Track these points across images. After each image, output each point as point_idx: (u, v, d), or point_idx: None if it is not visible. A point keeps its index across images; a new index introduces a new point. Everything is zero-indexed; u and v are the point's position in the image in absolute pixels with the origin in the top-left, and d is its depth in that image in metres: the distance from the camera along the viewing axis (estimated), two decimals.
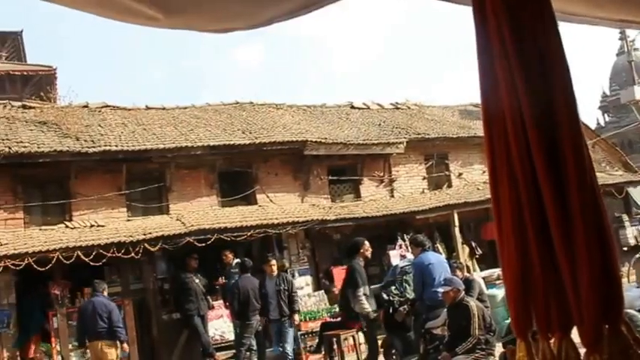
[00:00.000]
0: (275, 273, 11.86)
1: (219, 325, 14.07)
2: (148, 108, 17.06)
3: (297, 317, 12.06)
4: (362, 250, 10.52)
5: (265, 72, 75.66)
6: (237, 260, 13.59)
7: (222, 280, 14.08)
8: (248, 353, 12.26)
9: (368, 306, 10.05)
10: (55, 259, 12.09)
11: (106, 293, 11.68)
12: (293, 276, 15.09)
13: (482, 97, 1.92)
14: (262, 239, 14.54)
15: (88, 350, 11.62)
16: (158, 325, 13.89)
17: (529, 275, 1.80)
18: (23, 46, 32.92)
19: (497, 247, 1.91)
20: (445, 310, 9.10)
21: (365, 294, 10.09)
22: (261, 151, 15.56)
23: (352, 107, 20.18)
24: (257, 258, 13.78)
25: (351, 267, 10.38)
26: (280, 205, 15.62)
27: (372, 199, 17.00)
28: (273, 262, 12.12)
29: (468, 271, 13.88)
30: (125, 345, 11.47)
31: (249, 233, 13.79)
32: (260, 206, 15.45)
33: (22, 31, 32.05)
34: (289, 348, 11.70)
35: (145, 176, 14.70)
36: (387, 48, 74.97)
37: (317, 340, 13.16)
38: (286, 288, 11.68)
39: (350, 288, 10.23)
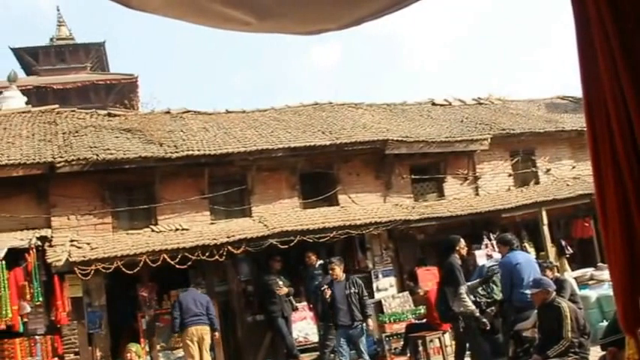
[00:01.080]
0: (341, 277, 11.47)
1: (303, 326, 14.04)
2: (228, 112, 17.25)
3: (370, 322, 11.55)
4: (458, 248, 10.20)
5: (343, 72, 75.57)
6: (320, 262, 13.52)
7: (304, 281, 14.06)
8: (332, 355, 12.13)
9: (471, 304, 9.71)
10: (142, 262, 12.39)
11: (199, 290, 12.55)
12: (376, 277, 14.95)
13: (583, 85, 1.86)
14: (345, 240, 14.43)
15: (184, 337, 12.04)
16: (242, 326, 13.99)
17: (637, 270, 1.74)
18: (106, 57, 34.09)
19: (602, 241, 1.86)
20: (535, 311, 8.80)
21: (466, 292, 9.78)
22: (341, 152, 15.44)
23: (433, 104, 19.84)
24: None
25: (449, 265, 10.01)
26: (362, 206, 15.46)
27: (456, 198, 16.62)
28: (336, 265, 11.65)
29: (558, 270, 13.39)
30: (217, 333, 12.34)
31: (331, 234, 13.70)
32: (342, 207, 15.34)
33: (104, 42, 33.20)
34: (366, 356, 11.46)
35: (227, 179, 14.83)
36: (466, 43, 73.62)
37: (402, 342, 12.99)
38: (357, 291, 11.27)
39: (450, 286, 9.89)
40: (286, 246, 13.23)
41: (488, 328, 9.72)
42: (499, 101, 20.53)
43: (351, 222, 14.09)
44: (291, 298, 13.52)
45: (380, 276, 15.06)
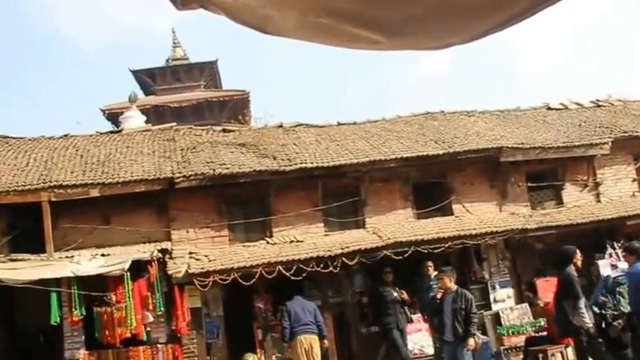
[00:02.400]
0: (451, 288, 10.57)
1: (419, 338, 13.84)
2: (339, 124, 17.32)
3: (471, 342, 10.27)
4: (574, 260, 9.76)
5: (452, 79, 74.48)
6: (435, 273, 13.29)
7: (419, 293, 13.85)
8: None
9: (589, 319, 9.26)
10: (257, 274, 12.60)
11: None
12: (493, 288, 14.55)
13: None
14: (460, 251, 14.16)
15: (293, 346, 12.07)
16: (357, 338, 13.96)
17: None
18: (219, 74, 35.15)
19: None
20: None
21: (586, 305, 9.33)
22: (455, 161, 15.18)
23: (549, 108, 19.13)
24: (455, 270, 13.38)
25: (567, 277, 9.59)
26: (477, 215, 15.10)
27: (576, 205, 15.94)
28: (444, 276, 10.85)
29: None
30: (326, 341, 12.32)
31: (446, 245, 13.48)
32: (456, 217, 15.05)
33: (217, 60, 34.21)
34: None
35: (339, 191, 14.87)
36: (583, 43, 70.78)
37: (521, 356, 12.55)
38: (463, 307, 10.27)
39: (567, 299, 9.47)
40: (400, 257, 13.11)
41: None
42: (620, 103, 19.51)
43: (466, 232, 13.80)
44: (406, 309, 13.35)
45: (497, 287, 14.66)
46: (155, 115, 28.58)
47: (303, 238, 14.06)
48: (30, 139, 16.43)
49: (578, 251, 9.92)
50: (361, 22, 1.96)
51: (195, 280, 12.58)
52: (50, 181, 13.69)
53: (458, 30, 2.12)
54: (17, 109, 60.26)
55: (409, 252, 13.14)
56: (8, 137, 16.56)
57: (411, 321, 13.54)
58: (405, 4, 1.89)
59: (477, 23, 2.08)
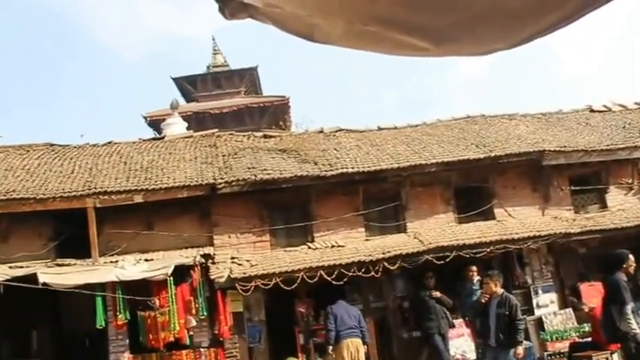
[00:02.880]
0: (496, 293, 10.22)
1: (461, 344, 13.73)
2: (380, 129, 17.31)
3: (520, 350, 9.85)
4: (625, 265, 9.48)
5: (493, 82, 73.76)
6: (477, 277, 13.16)
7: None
8: None
9: (636, 325, 9.04)
10: (299, 279, 12.64)
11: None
12: (536, 293, 14.37)
13: None
14: (502, 255, 14.01)
15: (339, 350, 11.97)
16: (398, 343, 13.92)
17: None
18: (259, 80, 35.36)
19: None
20: None
21: (633, 311, 9.11)
22: (496, 165, 15.04)
23: (591, 111, 18.83)
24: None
25: (614, 281, 9.33)
26: (519, 219, 14.93)
27: (621, 209, 15.64)
28: (489, 280, 10.46)
29: None
30: (366, 347, 12.22)
31: (488, 249, 13.35)
32: (498, 221, 14.90)
33: (257, 67, 34.43)
34: None
35: (380, 196, 14.86)
36: (625, 43, 69.44)
37: None
38: (507, 312, 9.90)
39: (614, 305, 9.27)
40: (442, 262, 13.03)
41: None
42: None
43: (509, 236, 13.66)
44: (448, 314, 13.25)
45: (540, 292, 14.47)
46: (196, 121, 28.91)
47: (344, 243, 14.09)
48: (75, 147, 16.78)
49: (631, 257, 9.61)
50: (408, 29, 1.98)
51: (237, 285, 12.68)
52: (95, 188, 13.96)
53: (504, 35, 2.13)
54: (62, 117, 61.52)
55: (451, 256, 13.05)
56: (54, 145, 16.95)
57: (453, 326, 13.42)
58: (452, 11, 1.90)
59: (523, 28, 2.07)
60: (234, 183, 13.97)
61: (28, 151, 16.55)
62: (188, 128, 22.44)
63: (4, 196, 13.85)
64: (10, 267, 13.02)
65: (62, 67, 66.89)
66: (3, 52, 62.34)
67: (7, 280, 11.30)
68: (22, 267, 13.05)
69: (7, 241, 14.04)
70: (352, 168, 14.38)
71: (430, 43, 2.05)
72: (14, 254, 13.72)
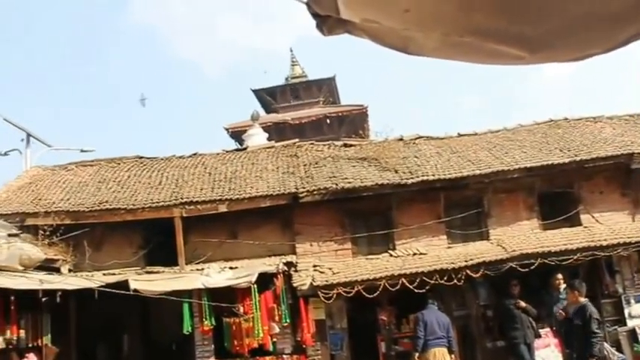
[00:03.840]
0: (578, 302, 9.77)
1: (547, 354, 13.36)
2: (460, 135, 17.12)
3: None
4: None
5: (576, 85, 71.74)
6: (563, 286, 12.83)
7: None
8: None
9: None
10: (381, 287, 12.64)
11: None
12: (628, 303, 13.86)
13: None
14: (590, 263, 13.56)
15: (425, 358, 11.89)
16: (482, 352, 13.69)
17: None
18: (337, 90, 35.56)
19: None
20: None
21: None
22: (582, 169, 14.62)
23: None
24: (585, 283, 12.85)
25: None
26: (608, 226, 14.43)
27: None
28: (572, 290, 10.00)
29: None
30: (453, 356, 12.07)
31: (574, 257, 12.98)
32: (585, 227, 14.45)
33: (334, 77, 34.65)
34: None
35: (462, 203, 14.71)
36: None
37: None
38: (581, 324, 9.45)
39: None
40: (527, 269, 12.77)
41: None
42: None
43: (597, 243, 13.24)
44: (534, 323, 12.97)
45: (632, 301, 13.92)
46: (276, 132, 29.34)
47: (426, 251, 14.01)
48: (162, 159, 17.38)
49: None
50: (504, 38, 2.00)
51: (319, 293, 12.81)
52: (181, 198, 14.43)
53: (601, 39, 2.12)
54: (150, 131, 63.53)
55: (535, 264, 12.77)
56: (143, 157, 17.60)
57: (539, 335, 13.12)
58: (549, 18, 1.92)
59: (620, 31, 2.06)
60: (315, 192, 14.15)
61: (119, 163, 17.28)
62: (269, 139, 22.85)
63: (98, 206, 14.51)
64: (104, 274, 13.60)
65: (149, 83, 69.12)
66: (93, 72, 64.94)
67: (101, 287, 11.78)
68: (114, 274, 13.61)
69: (101, 250, 14.67)
70: (433, 175, 14.32)
71: (526, 51, 2.06)
72: (107, 262, 14.34)
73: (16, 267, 11.51)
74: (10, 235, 13.18)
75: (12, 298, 11.35)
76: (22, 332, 11.99)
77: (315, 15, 2.11)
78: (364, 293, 12.63)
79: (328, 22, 2.11)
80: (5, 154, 21.22)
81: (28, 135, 21.16)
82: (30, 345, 12.27)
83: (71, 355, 13.58)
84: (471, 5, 1.90)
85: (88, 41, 65.61)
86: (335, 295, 12.76)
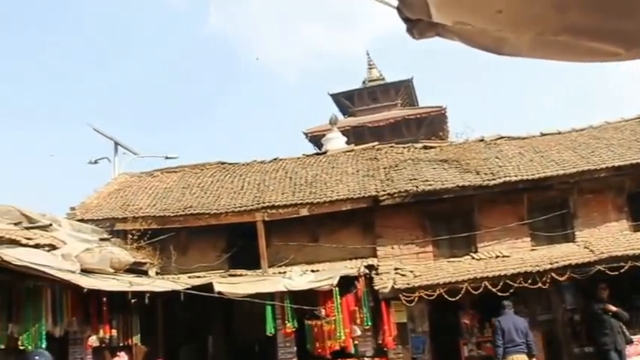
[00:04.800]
0: None
1: None
2: (542, 134, 16.71)
3: None
4: None
5: None
6: None
7: None
8: None
9: None
10: (463, 290, 12.48)
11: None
12: None
13: None
14: None
15: None
16: (569, 358, 13.33)
17: None
18: (414, 92, 35.32)
19: None
20: None
21: None
22: None
23: None
24: None
25: None
26: None
27: None
28: None
29: None
30: None
31: None
32: None
33: (412, 78, 34.43)
34: None
35: (546, 204, 14.36)
36: None
37: None
38: None
39: None
40: (616, 272, 12.33)
41: None
42: None
43: None
44: (625, 329, 12.51)
45: None
46: (354, 135, 29.39)
47: (509, 253, 13.76)
48: (244, 164, 17.75)
49: None
50: (600, 35, 1.99)
51: (401, 296, 12.77)
52: (263, 202, 14.69)
53: None
54: (229, 137, 64.74)
55: (625, 267, 12.31)
56: (225, 163, 18.02)
57: (630, 342, 12.64)
58: None
59: None
60: (396, 195, 14.14)
61: (202, 169, 17.75)
62: (347, 142, 22.94)
63: (183, 211, 14.95)
64: (189, 277, 14.00)
65: (228, 89, 70.51)
66: (177, 80, 66.73)
67: (187, 289, 12.11)
68: (199, 277, 14.00)
69: (186, 253, 15.10)
70: (515, 176, 14.05)
71: (622, 48, 2.04)
72: (192, 265, 14.75)
73: (107, 270, 11.97)
74: (101, 240, 13.74)
75: (104, 299, 11.82)
76: (114, 332, 12.47)
77: (405, 19, 2.13)
78: (446, 296, 12.51)
79: (419, 25, 2.13)
80: (95, 162, 22.12)
81: (116, 144, 21.97)
82: (121, 344, 12.76)
83: (159, 354, 14.03)
84: (565, 3, 1.89)
85: (171, 54, 67.45)
86: (416, 298, 12.68)
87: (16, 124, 55.97)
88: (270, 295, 13.06)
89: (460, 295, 12.57)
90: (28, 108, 58.24)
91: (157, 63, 67.44)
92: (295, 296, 13.04)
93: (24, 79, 59.12)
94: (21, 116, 57.11)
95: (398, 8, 2.09)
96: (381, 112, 33.22)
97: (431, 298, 12.68)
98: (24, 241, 10.38)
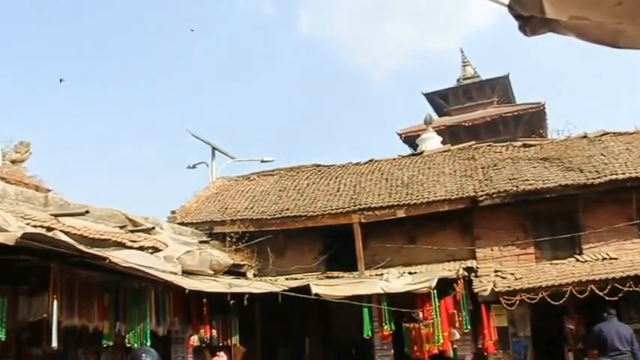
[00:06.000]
0: None
1: None
2: None
3: None
4: None
5: None
6: None
7: None
8: None
9: None
10: (567, 293, 12.05)
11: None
12: None
13: None
14: None
15: None
16: None
17: None
18: (511, 88, 34.44)
19: None
20: None
21: None
22: None
23: None
24: None
25: None
26: None
27: None
28: None
29: None
30: None
31: None
32: None
33: (508, 75, 33.57)
34: None
35: None
36: None
37: None
38: None
39: None
40: None
41: None
42: None
43: None
44: None
45: None
46: (449, 135, 28.94)
47: (617, 255, 13.15)
48: (339, 166, 17.83)
49: None
50: None
51: (501, 299, 12.45)
52: (360, 204, 14.71)
53: None
54: (323, 138, 65.24)
55: None
56: (320, 165, 18.15)
57: None
58: None
59: None
60: (495, 195, 13.83)
61: (298, 172, 17.96)
62: (442, 142, 22.65)
63: (280, 214, 15.16)
64: (286, 279, 14.18)
65: (319, 93, 71.12)
66: (272, 84, 67.88)
67: (285, 291, 12.25)
68: (296, 279, 14.16)
69: (283, 255, 15.31)
70: (623, 174, 13.41)
71: None
72: (289, 267, 14.93)
73: (207, 271, 12.24)
74: (200, 242, 14.08)
75: (204, 300, 12.11)
76: (214, 332, 12.76)
77: (517, 16, 2.09)
78: (549, 300, 12.09)
79: (532, 22, 2.09)
80: (194, 166, 22.74)
81: (213, 148, 22.50)
82: (221, 344, 13.04)
83: (257, 354, 14.26)
84: None
85: (263, 59, 68.56)
86: (518, 302, 12.33)
87: (121, 137, 58.28)
88: (367, 298, 13.04)
89: (564, 299, 12.11)
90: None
91: (254, 68, 68.68)
92: (392, 299, 12.98)
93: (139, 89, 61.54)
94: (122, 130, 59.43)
95: (509, 6, 2.05)
96: (477, 111, 32.57)
97: (533, 301, 12.31)
98: (129, 244, 10.78)
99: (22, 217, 8.77)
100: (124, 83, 60.89)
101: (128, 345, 10.25)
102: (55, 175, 47.53)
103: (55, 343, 8.32)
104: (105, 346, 10.27)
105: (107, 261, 8.69)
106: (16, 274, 8.71)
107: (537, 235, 14.00)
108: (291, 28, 70.08)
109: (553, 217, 14.15)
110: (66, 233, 9.03)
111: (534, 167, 14.64)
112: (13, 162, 13.63)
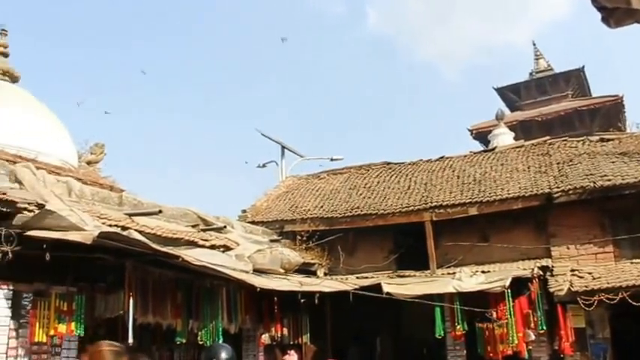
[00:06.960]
0: None
1: None
2: None
3: None
4: None
5: None
6: None
7: None
8: None
9: None
10: None
11: None
12: None
13: None
14: None
15: None
16: None
17: None
18: (587, 81, 33.46)
19: None
20: None
21: None
22: None
23: None
24: None
25: None
26: None
27: None
28: None
29: None
30: None
31: None
32: None
33: (583, 67, 32.63)
34: None
35: None
36: None
37: None
38: None
39: None
40: None
41: None
42: None
43: None
44: None
45: None
46: (521, 130, 28.33)
47: None
48: (409, 164, 17.68)
49: None
50: None
51: (578, 299, 12.09)
52: (431, 202, 14.55)
53: None
54: (394, 136, 64.91)
55: None
56: (390, 163, 18.04)
57: None
58: None
59: None
60: (571, 191, 13.43)
61: (368, 170, 17.90)
62: (515, 138, 22.20)
63: (350, 212, 15.15)
64: (357, 277, 14.16)
65: (389, 90, 70.68)
66: (340, 83, 67.97)
67: (356, 290, 12.20)
68: (367, 277, 14.12)
69: (354, 254, 15.28)
70: None
71: None
72: (360, 265, 14.89)
73: (278, 270, 12.31)
74: (271, 241, 14.20)
75: (275, 298, 12.19)
76: (285, 330, 12.85)
77: (601, 8, 2.01)
78: (630, 301, 11.64)
79: (616, 13, 1.99)
80: (264, 165, 22.99)
81: (283, 147, 22.67)
82: (291, 342, 13.11)
83: (327, 353, 14.26)
84: None
85: (330, 57, 68.68)
86: (596, 302, 11.93)
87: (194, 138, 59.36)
88: (439, 297, 12.88)
89: None
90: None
91: (321, 67, 68.88)
92: (465, 298, 12.77)
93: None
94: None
95: None
96: (550, 105, 31.75)
97: (612, 302, 11.88)
98: (201, 243, 10.93)
99: (98, 217, 8.99)
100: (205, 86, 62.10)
101: (201, 342, 10.45)
102: (129, 174, 48.92)
103: (131, 339, 8.53)
104: (178, 343, 10.49)
105: (180, 259, 8.86)
106: (93, 272, 8.98)
107: (616, 233, 13.49)
108: (359, 26, 70.00)
109: (633, 214, 13.57)
110: (140, 232, 9.22)
111: (612, 162, 14.13)
112: (89, 163, 14.07)
